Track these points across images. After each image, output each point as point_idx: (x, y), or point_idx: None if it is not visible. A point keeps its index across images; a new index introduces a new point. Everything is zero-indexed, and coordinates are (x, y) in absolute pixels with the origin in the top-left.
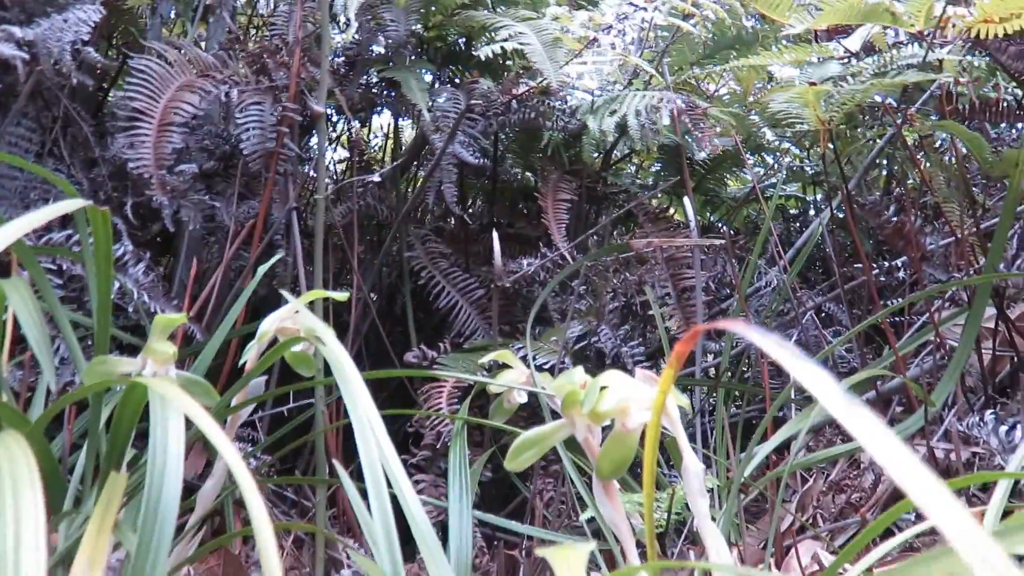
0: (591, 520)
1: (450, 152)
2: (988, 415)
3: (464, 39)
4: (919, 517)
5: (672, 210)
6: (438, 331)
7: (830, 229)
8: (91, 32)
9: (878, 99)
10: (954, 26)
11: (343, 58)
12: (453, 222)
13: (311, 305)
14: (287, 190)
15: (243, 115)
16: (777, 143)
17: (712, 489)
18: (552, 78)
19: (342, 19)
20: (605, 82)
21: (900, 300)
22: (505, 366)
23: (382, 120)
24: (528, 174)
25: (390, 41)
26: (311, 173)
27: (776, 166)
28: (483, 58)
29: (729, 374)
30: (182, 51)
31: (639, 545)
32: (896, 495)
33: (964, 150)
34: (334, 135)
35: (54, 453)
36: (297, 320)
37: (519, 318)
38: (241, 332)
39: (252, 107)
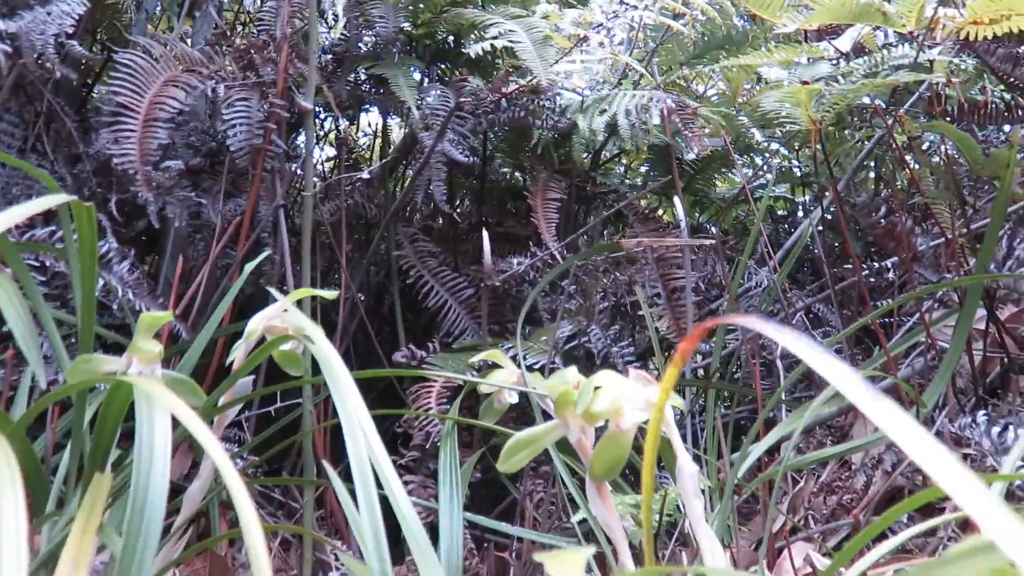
0: (582, 522)
1: (439, 150)
2: (980, 416)
3: (453, 37)
4: (911, 520)
5: (661, 211)
6: (427, 330)
7: (819, 230)
8: (75, 25)
9: (867, 101)
10: (944, 27)
11: (331, 55)
12: (442, 221)
13: (299, 304)
14: (274, 187)
15: (230, 111)
16: (765, 144)
17: (704, 490)
18: (542, 76)
19: (330, 15)
20: (594, 81)
21: (890, 301)
22: (495, 366)
23: (370, 118)
24: (517, 173)
25: (379, 38)
26: (298, 171)
27: (765, 167)
28: (473, 56)
29: (719, 375)
30: (168, 46)
31: (631, 547)
32: (889, 497)
33: (953, 152)
34: (321, 133)
35: (36, 453)
36: (285, 319)
37: (508, 318)
38: (227, 331)
39: (239, 103)
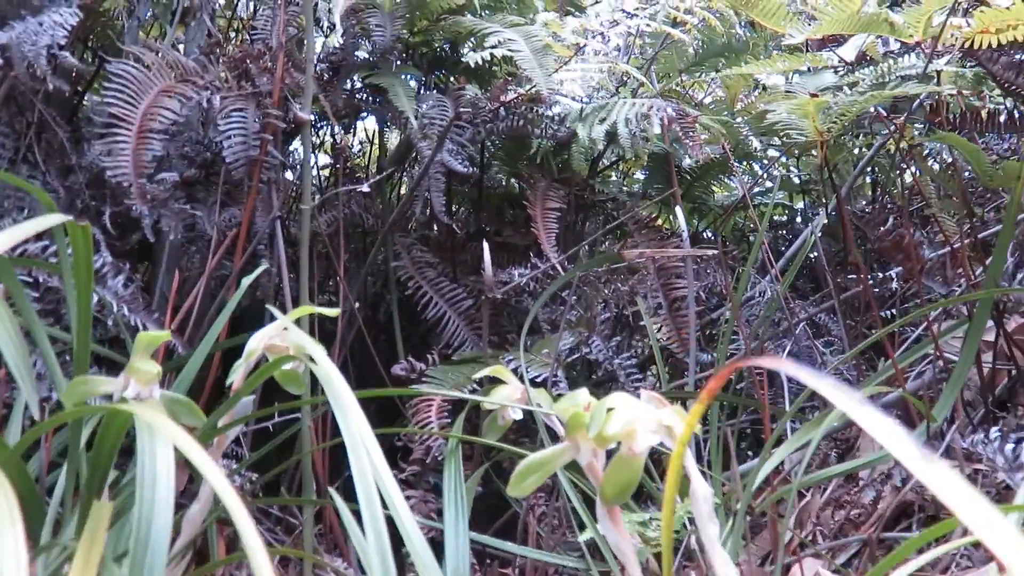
0: (589, 541)
1: (438, 160)
2: (993, 431)
3: (450, 45)
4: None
5: (660, 219)
6: (424, 341)
7: (819, 236)
8: (67, 36)
9: (869, 109)
10: (952, 37)
11: (327, 64)
12: (439, 231)
13: (297, 319)
14: (271, 198)
15: (225, 121)
16: (763, 151)
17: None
18: (542, 85)
19: (325, 24)
20: (593, 90)
21: (894, 311)
22: (498, 381)
23: (364, 125)
24: (514, 182)
25: (376, 46)
26: (296, 181)
27: (764, 174)
28: (472, 64)
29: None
30: (160, 55)
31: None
32: (899, 512)
33: (960, 161)
34: (317, 142)
35: (31, 474)
36: (286, 337)
37: (507, 328)
38: (224, 346)
39: (235, 113)
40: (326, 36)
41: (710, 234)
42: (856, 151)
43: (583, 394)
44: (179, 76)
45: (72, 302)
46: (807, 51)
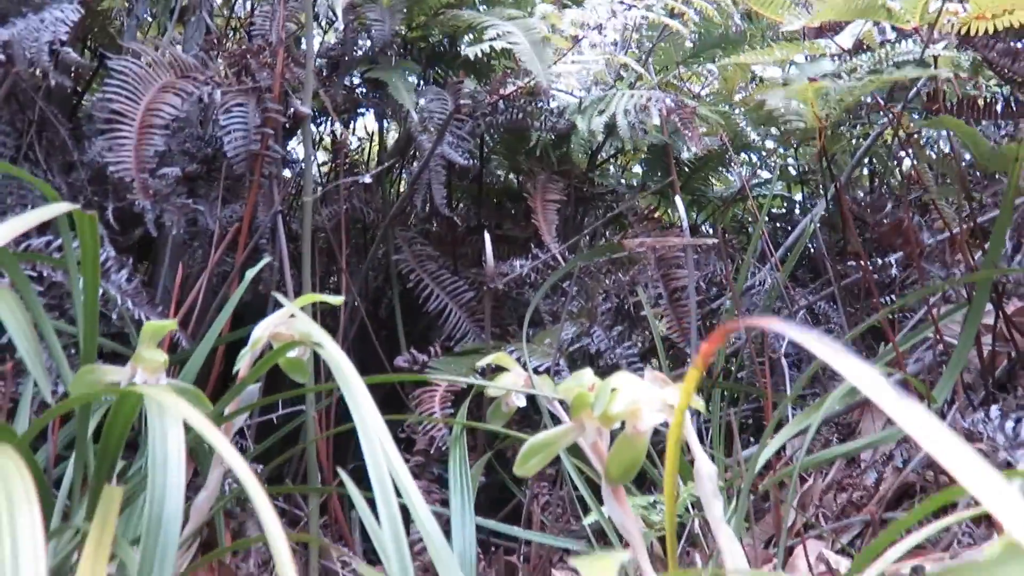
0: (593, 524)
1: (438, 153)
2: (994, 411)
3: (449, 39)
4: (925, 519)
5: (659, 211)
6: (425, 335)
7: (818, 227)
8: (69, 32)
9: (864, 98)
10: (948, 22)
11: (327, 59)
12: (439, 224)
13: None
14: (272, 193)
15: (226, 116)
16: (761, 142)
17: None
18: (542, 77)
19: (324, 20)
20: (591, 82)
21: (894, 297)
22: (501, 369)
23: (364, 123)
24: (513, 175)
25: (374, 41)
26: (297, 175)
27: (762, 165)
28: (472, 57)
29: (722, 375)
30: (161, 51)
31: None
32: (900, 493)
33: (959, 148)
34: (316, 137)
35: (39, 465)
36: (291, 325)
37: (509, 320)
38: (228, 339)
39: (235, 108)
40: (324, 32)
41: (709, 228)
42: (854, 142)
43: (587, 374)
44: (179, 72)
45: (79, 292)
46: (804, 39)
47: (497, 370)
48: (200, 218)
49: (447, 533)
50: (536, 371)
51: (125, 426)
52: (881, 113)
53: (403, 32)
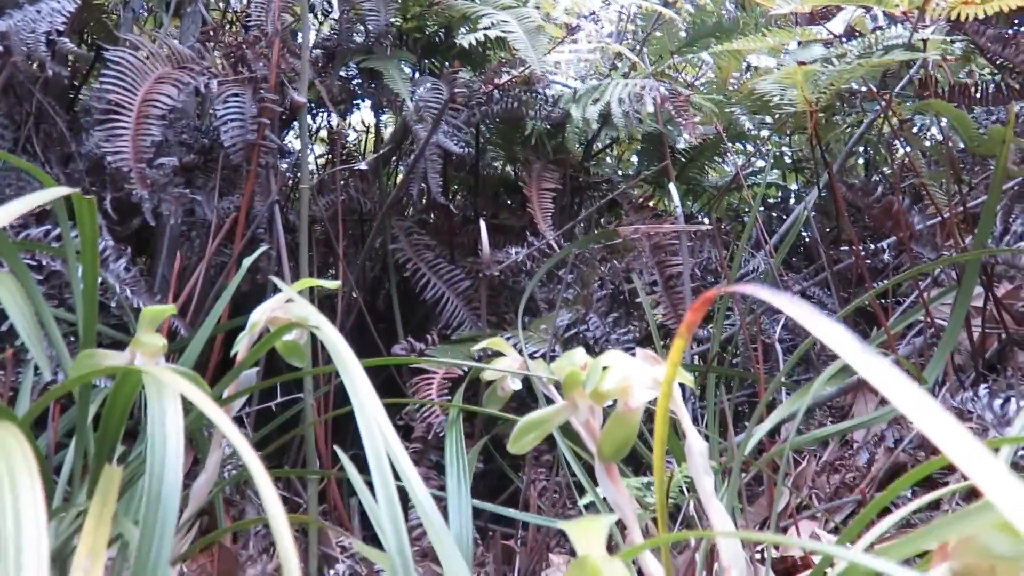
0: (589, 505)
1: (434, 142)
2: (982, 390)
3: (444, 29)
4: (915, 495)
5: (654, 199)
6: (422, 325)
7: (813, 214)
8: (66, 23)
9: (856, 86)
10: (937, 7)
11: (322, 49)
12: (436, 214)
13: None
14: (269, 183)
15: (223, 106)
16: (756, 131)
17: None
18: (536, 66)
19: (319, 11)
20: (586, 71)
21: (886, 282)
22: (497, 354)
23: (361, 116)
24: (509, 168)
25: (370, 31)
26: (294, 165)
27: (756, 154)
28: (466, 46)
29: (716, 361)
30: (157, 43)
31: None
32: (892, 474)
33: (949, 133)
34: (313, 130)
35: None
36: (289, 309)
37: (505, 309)
38: (226, 327)
39: (232, 98)
40: (320, 23)
41: (705, 217)
42: (847, 130)
43: (580, 353)
44: (176, 63)
45: (79, 279)
46: (797, 27)
47: (494, 355)
48: (197, 208)
49: (444, 516)
50: (532, 356)
51: (125, 408)
52: (875, 101)
53: (398, 22)
